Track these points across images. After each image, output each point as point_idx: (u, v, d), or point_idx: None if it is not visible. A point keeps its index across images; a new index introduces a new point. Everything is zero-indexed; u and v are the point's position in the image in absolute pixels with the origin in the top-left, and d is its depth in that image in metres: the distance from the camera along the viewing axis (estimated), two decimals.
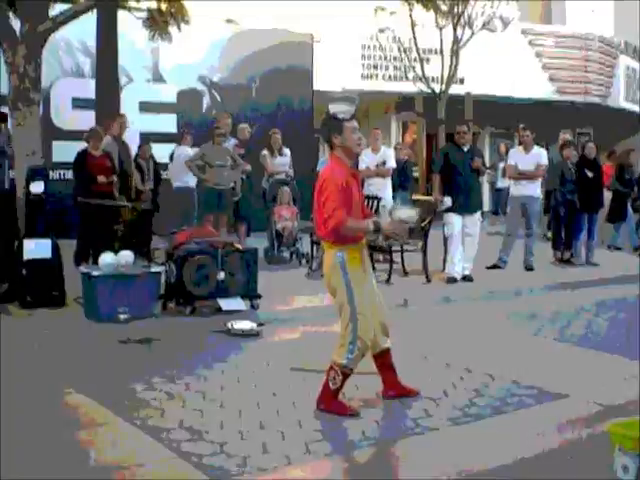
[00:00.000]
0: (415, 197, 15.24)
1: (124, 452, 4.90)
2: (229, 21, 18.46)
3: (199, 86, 17.66)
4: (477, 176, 11.59)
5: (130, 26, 14.25)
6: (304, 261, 12.65)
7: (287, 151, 13.96)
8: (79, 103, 15.31)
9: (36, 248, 9.08)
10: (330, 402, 5.73)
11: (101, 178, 11.05)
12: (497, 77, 22.85)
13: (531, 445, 5.11)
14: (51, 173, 13.64)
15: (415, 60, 20.08)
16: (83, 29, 13.63)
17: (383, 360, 6.02)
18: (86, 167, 11.15)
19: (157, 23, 12.52)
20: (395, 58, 21.15)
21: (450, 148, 11.87)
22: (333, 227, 5.50)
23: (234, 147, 13.55)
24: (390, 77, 21.66)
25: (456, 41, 19.39)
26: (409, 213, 5.86)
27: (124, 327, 8.16)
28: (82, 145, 11.49)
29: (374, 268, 8.64)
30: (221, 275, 8.93)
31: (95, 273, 8.47)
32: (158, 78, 17.08)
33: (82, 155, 11.32)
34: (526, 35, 23.94)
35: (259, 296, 9.22)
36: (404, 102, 22.41)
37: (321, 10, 19.58)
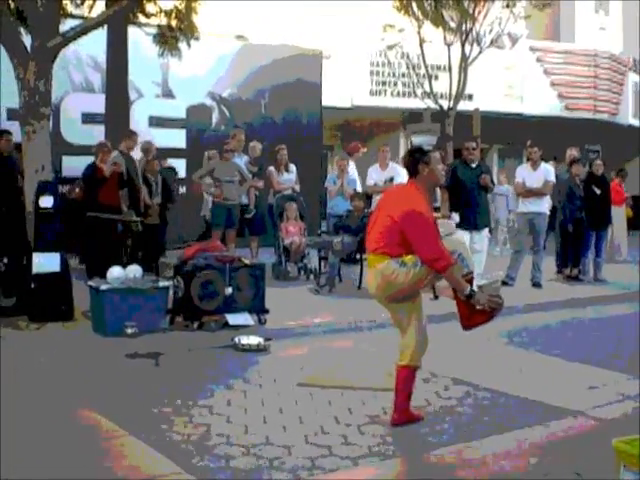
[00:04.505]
0: None
1: (131, 466, 4.91)
2: (239, 37, 18.55)
3: (208, 101, 17.71)
4: (485, 192, 11.60)
5: (140, 42, 14.35)
6: (312, 277, 12.66)
7: (293, 167, 14.03)
8: (89, 118, 15.38)
9: (45, 262, 9.11)
10: (406, 414, 5.82)
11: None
12: (505, 94, 22.88)
13: (537, 462, 5.11)
14: (60, 187, 13.69)
15: (423, 76, 20.11)
16: (94, 45, 13.73)
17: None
18: (95, 181, 11.21)
19: (167, 39, 12.56)
20: (404, 74, 21.20)
21: (458, 164, 11.88)
22: (443, 267, 5.52)
23: (247, 164, 13.62)
24: (399, 93, 21.70)
25: (464, 58, 19.42)
26: (494, 286, 5.98)
27: (132, 341, 8.18)
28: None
29: None
30: (229, 290, 8.95)
31: (103, 287, 8.49)
32: (168, 93, 17.15)
33: (91, 169, 11.39)
34: (534, 52, 23.97)
35: (267, 311, 9.23)
36: (412, 118, 22.43)
37: (330, 27, 19.68)
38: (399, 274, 5.59)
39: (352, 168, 14.47)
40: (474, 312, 5.85)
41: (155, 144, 13.79)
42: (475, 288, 5.77)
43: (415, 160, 5.84)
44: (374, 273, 5.78)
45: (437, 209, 10.71)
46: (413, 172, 5.86)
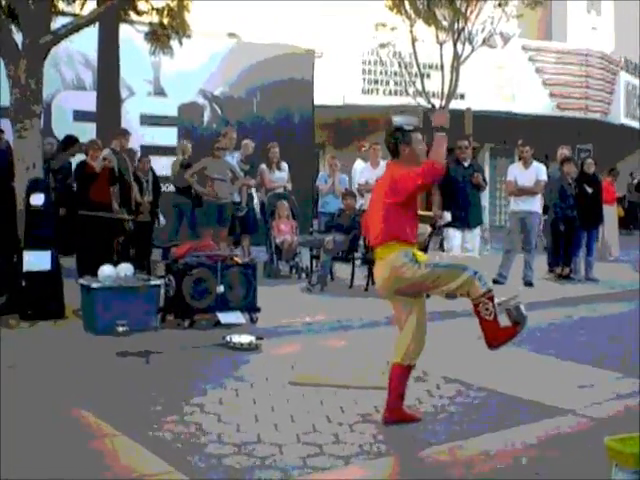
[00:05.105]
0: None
1: (123, 465, 4.89)
2: (231, 35, 18.53)
3: (200, 99, 17.69)
4: (477, 191, 11.60)
5: (132, 39, 14.32)
6: (303, 275, 12.65)
7: (285, 165, 14.03)
8: (80, 116, 15.34)
9: (36, 260, 9.08)
10: (398, 412, 5.75)
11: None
12: (497, 93, 22.91)
13: (529, 461, 5.10)
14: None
15: (415, 75, 20.11)
16: (85, 42, 13.69)
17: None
18: (85, 178, 11.19)
19: (159, 37, 12.54)
20: (396, 73, 21.21)
21: (450, 163, 11.87)
22: (429, 167, 5.45)
23: (239, 162, 13.61)
24: (391, 92, 21.72)
25: (456, 57, 19.42)
26: (514, 302, 5.96)
27: (122, 340, 8.15)
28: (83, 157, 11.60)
29: (373, 283, 8.61)
30: (220, 288, 8.92)
31: (94, 285, 8.46)
32: (159, 91, 17.12)
33: (81, 166, 11.36)
34: (526, 51, 24.02)
35: (258, 310, 9.21)
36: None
37: (322, 25, 19.68)
38: (408, 269, 5.55)
39: (361, 165, 14.81)
40: (498, 330, 5.79)
41: (147, 141, 13.79)
42: (496, 305, 5.76)
43: (396, 140, 5.75)
44: (382, 265, 5.71)
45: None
46: (394, 153, 5.78)
